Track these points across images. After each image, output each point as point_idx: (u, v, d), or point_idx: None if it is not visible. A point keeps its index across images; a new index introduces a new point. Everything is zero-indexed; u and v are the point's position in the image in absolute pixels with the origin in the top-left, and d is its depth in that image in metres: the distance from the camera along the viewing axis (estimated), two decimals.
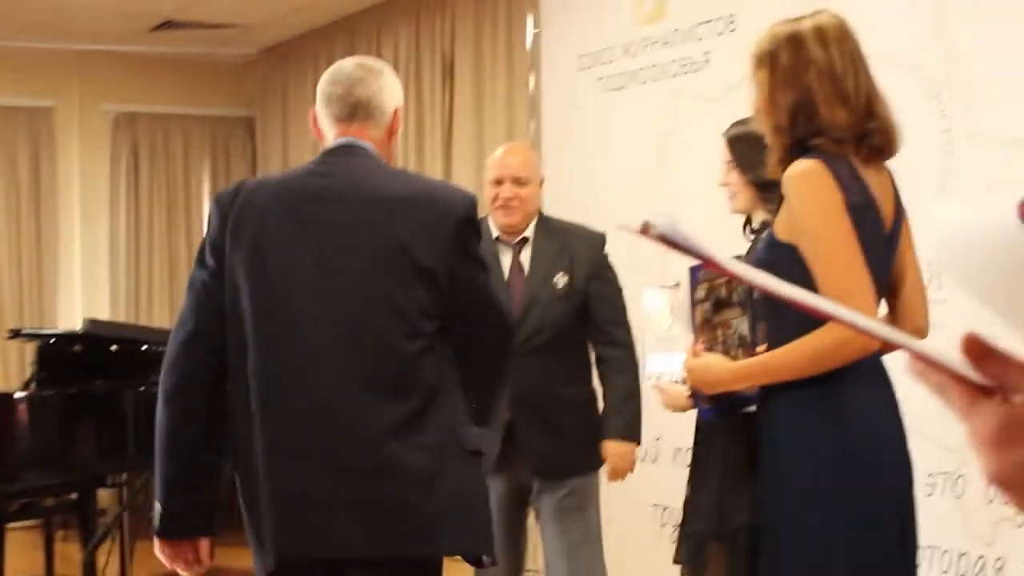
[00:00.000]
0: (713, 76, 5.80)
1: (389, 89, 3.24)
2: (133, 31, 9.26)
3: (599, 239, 4.52)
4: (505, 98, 7.44)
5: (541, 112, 6.99)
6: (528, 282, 4.39)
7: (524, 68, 7.19)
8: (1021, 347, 0.97)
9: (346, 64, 3.28)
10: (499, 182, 4.40)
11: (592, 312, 4.44)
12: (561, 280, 4.38)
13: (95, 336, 6.77)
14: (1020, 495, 0.95)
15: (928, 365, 0.97)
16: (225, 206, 3.10)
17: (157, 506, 3.17)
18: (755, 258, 2.97)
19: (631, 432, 4.44)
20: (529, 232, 4.46)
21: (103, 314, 9.36)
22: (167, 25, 9.10)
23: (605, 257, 4.51)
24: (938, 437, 4.66)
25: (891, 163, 4.86)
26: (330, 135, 3.23)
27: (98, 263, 9.82)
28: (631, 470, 4.50)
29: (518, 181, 4.40)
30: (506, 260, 4.44)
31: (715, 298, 3.01)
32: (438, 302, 3.03)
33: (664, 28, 6.11)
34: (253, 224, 3.05)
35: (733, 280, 2.95)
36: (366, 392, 2.98)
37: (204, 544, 3.21)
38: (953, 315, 4.69)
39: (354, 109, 3.19)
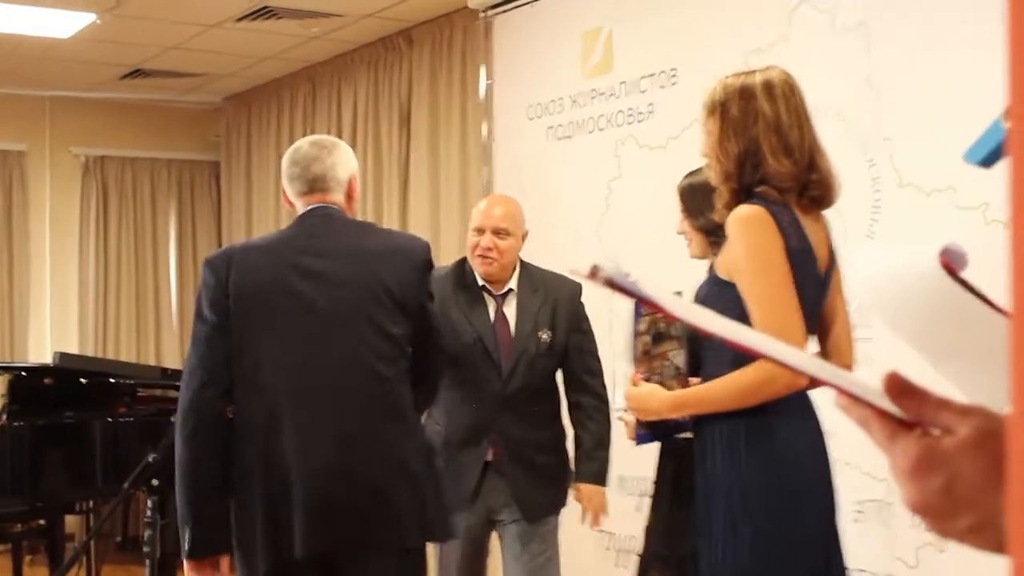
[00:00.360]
0: (657, 126, 5.85)
1: (343, 162, 3.66)
2: (104, 78, 9.24)
3: (577, 289, 4.49)
4: (459, 145, 7.47)
5: (493, 159, 7.02)
6: (516, 337, 4.36)
7: (477, 117, 7.23)
8: (944, 384, 1.00)
9: (302, 144, 3.69)
10: (480, 231, 4.36)
11: (570, 362, 4.45)
12: (545, 335, 4.36)
13: (65, 369, 6.74)
14: (937, 522, 0.97)
15: (852, 400, 0.99)
16: (220, 268, 3.47)
17: (186, 533, 3.43)
18: (697, 294, 3.02)
19: (603, 477, 4.47)
20: (513, 283, 4.42)
21: (72, 348, 9.30)
22: (137, 73, 9.09)
23: (582, 307, 4.50)
24: (866, 467, 4.71)
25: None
26: (298, 204, 3.63)
27: (68, 299, 9.75)
28: (604, 511, 4.50)
29: (498, 232, 4.34)
30: (491, 309, 4.40)
31: (655, 331, 3.06)
32: (412, 331, 3.51)
33: (610, 80, 6.17)
34: (253, 281, 3.43)
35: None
36: (376, 415, 3.43)
37: (224, 560, 3.49)
38: (880, 352, 4.74)
39: (313, 183, 3.59)
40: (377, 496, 3.39)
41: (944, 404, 0.97)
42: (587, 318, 4.51)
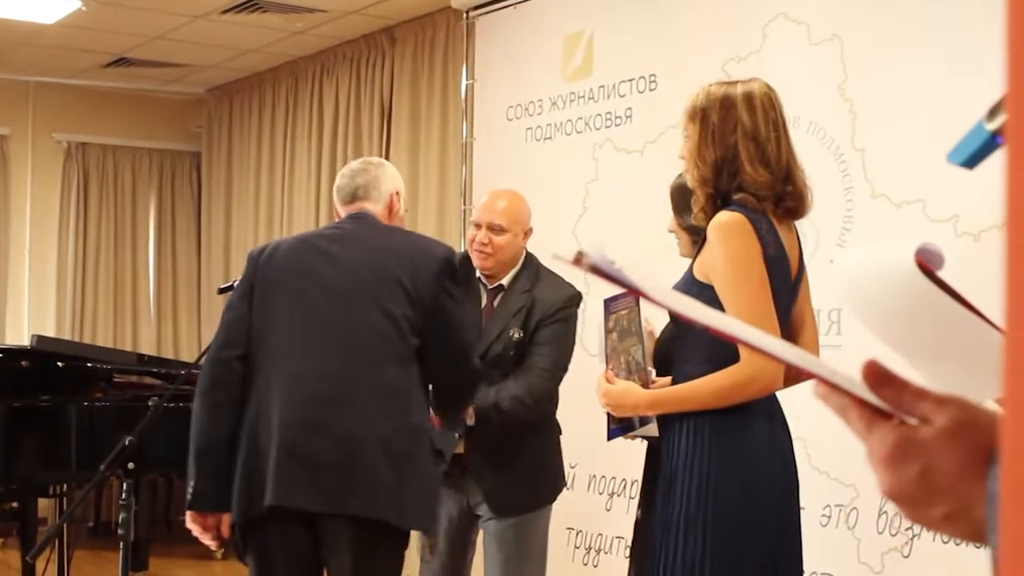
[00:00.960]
0: (635, 130, 5.88)
1: (387, 176, 3.89)
2: (88, 66, 9.22)
3: (562, 294, 4.35)
4: (439, 144, 7.49)
5: (472, 158, 7.04)
6: (488, 330, 4.26)
7: (458, 116, 7.24)
8: (916, 378, 1.01)
9: (354, 163, 3.99)
10: (478, 226, 4.30)
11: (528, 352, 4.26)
12: (516, 333, 4.23)
13: (42, 352, 6.72)
14: (911, 509, 0.99)
15: (831, 388, 1.00)
16: (256, 254, 3.74)
17: (190, 486, 3.59)
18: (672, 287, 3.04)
19: (456, 422, 4.16)
20: (506, 281, 4.33)
21: (49, 332, 9.27)
22: (121, 62, 9.07)
23: (563, 309, 4.32)
24: (834, 472, 4.75)
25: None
26: (342, 214, 3.85)
27: (46, 283, 9.72)
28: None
29: (493, 228, 4.27)
30: (484, 301, 4.35)
31: (619, 328, 3.12)
32: (421, 322, 3.59)
33: (590, 84, 6.19)
34: (278, 262, 3.66)
35: (631, 311, 3.10)
36: (365, 386, 3.50)
37: (226, 518, 3.58)
38: (850, 358, 4.78)
39: (355, 192, 3.82)
40: (350, 460, 3.44)
41: (922, 394, 0.98)
42: (567, 319, 4.33)
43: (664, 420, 3.08)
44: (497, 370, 4.20)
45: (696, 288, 2.96)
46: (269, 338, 3.60)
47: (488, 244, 4.28)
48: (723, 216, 2.93)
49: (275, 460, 3.44)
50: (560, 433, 4.46)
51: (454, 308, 3.71)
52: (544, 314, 4.27)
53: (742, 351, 2.84)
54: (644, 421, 3.20)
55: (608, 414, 3.19)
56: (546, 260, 4.31)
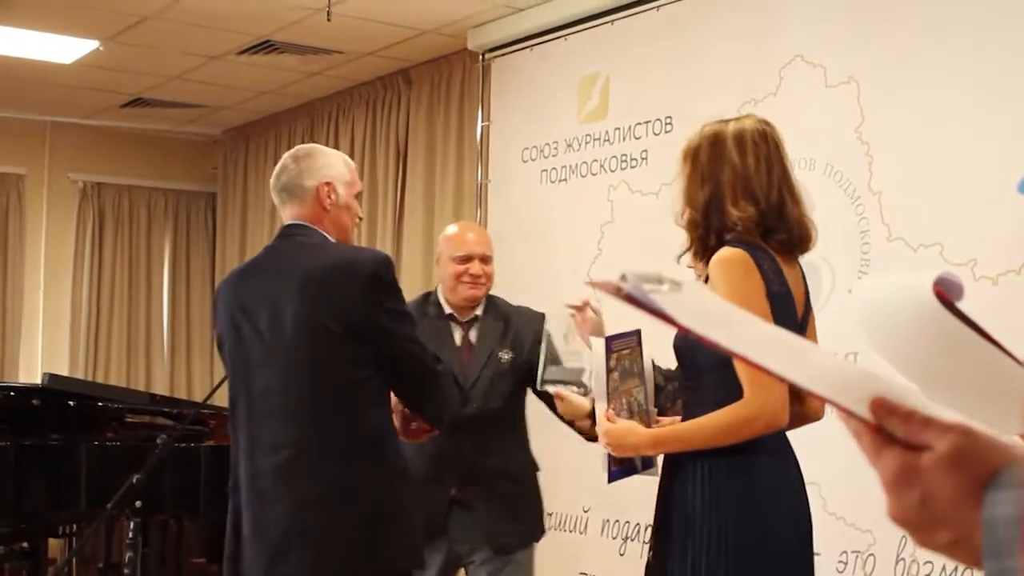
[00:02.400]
0: (650, 172, 5.87)
1: (311, 169, 3.47)
2: (105, 106, 9.25)
3: (541, 318, 4.39)
4: (454, 185, 7.48)
5: (487, 200, 7.03)
6: (475, 358, 4.31)
7: (473, 158, 7.24)
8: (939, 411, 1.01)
9: (284, 157, 3.57)
10: (468, 259, 4.32)
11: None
12: (506, 355, 4.31)
13: (54, 391, 6.70)
14: (916, 534, 1.00)
15: (847, 414, 1.02)
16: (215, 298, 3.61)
17: None
18: (678, 336, 2.98)
19: None
20: (479, 311, 4.39)
21: (63, 371, 9.26)
22: (138, 102, 9.10)
23: (547, 333, 4.42)
24: (850, 518, 4.70)
25: (814, 259, 4.95)
26: (282, 215, 3.53)
27: (60, 323, 9.72)
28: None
29: (485, 259, 4.36)
30: (457, 336, 4.36)
31: (621, 368, 3.06)
32: (360, 354, 3.30)
33: (606, 126, 6.18)
34: (223, 309, 3.46)
35: (633, 351, 3.05)
36: (314, 442, 3.29)
37: None
38: None
39: (280, 195, 3.48)
40: (303, 525, 3.28)
41: (928, 422, 0.99)
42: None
43: (674, 462, 3.02)
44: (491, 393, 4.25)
45: None
46: (232, 406, 3.48)
47: (482, 275, 4.34)
48: (725, 252, 2.88)
49: (249, 538, 3.37)
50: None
51: (398, 330, 3.39)
52: (535, 332, 4.21)
53: (745, 388, 2.79)
54: (647, 463, 3.15)
55: (609, 456, 3.10)
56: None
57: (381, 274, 3.35)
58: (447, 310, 4.37)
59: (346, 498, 3.29)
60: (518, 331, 4.37)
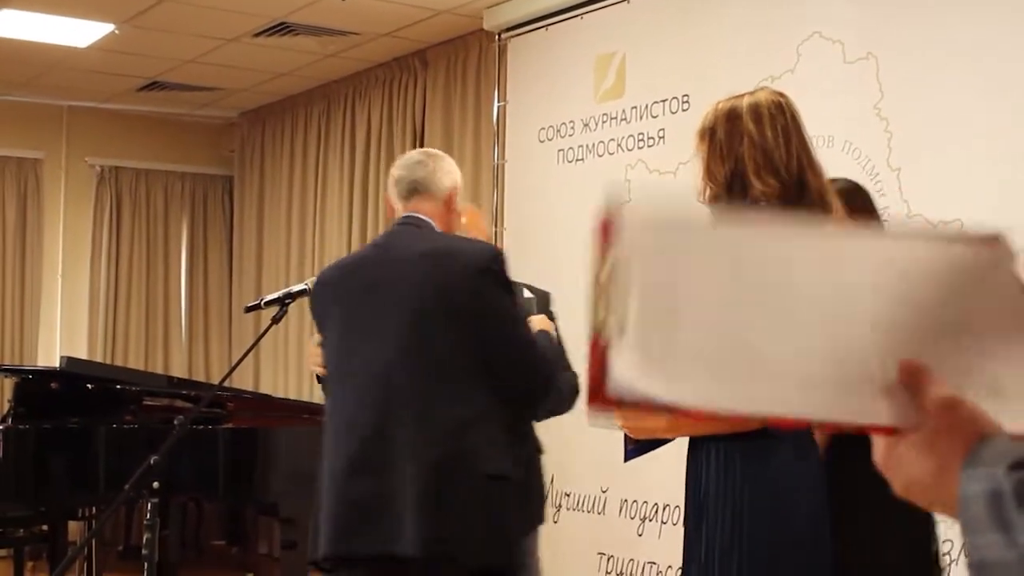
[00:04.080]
0: (667, 150, 5.85)
1: (444, 171, 3.70)
2: (121, 90, 9.26)
3: (547, 296, 4.48)
4: (472, 166, 7.46)
5: (504, 180, 7.02)
6: None
7: (490, 138, 7.23)
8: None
9: (412, 153, 3.81)
10: None
11: None
12: None
13: (72, 374, 6.72)
14: (920, 501, 1.02)
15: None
16: (312, 289, 3.73)
17: None
18: None
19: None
20: None
21: (81, 355, 9.28)
22: (154, 86, 9.11)
23: (552, 313, 4.39)
24: None
25: None
26: (398, 209, 3.66)
27: (78, 306, 9.75)
28: None
29: None
30: None
31: None
32: (471, 337, 3.38)
33: (622, 105, 6.16)
34: (338, 291, 3.58)
35: None
36: (404, 422, 3.35)
37: None
38: None
39: (413, 187, 3.63)
40: (383, 502, 3.34)
41: (926, 400, 1.00)
42: (556, 318, 4.36)
43: (691, 445, 3.00)
44: None
45: None
46: (331, 385, 3.61)
47: None
48: None
49: (328, 511, 3.44)
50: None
51: (508, 316, 3.51)
52: (543, 311, 4.28)
53: None
54: (662, 441, 3.12)
55: (625, 435, 3.09)
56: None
57: (495, 266, 3.50)
58: None
59: (463, 465, 3.35)
60: (525, 310, 4.31)
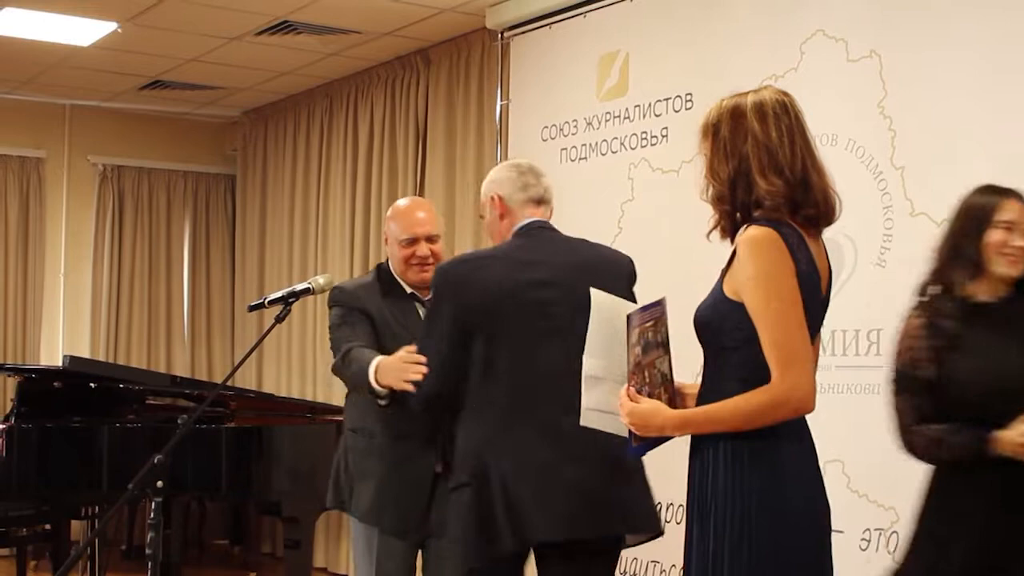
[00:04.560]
0: (670, 149, 5.84)
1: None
2: (124, 89, 9.25)
3: None
4: (475, 165, 7.45)
5: None
6: None
7: (492, 137, 7.22)
8: None
9: (524, 162, 3.95)
10: (413, 241, 4.25)
11: None
12: None
13: (75, 373, 6.72)
14: None
15: None
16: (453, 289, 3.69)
17: None
18: (701, 311, 2.99)
19: None
20: None
21: (83, 353, 9.29)
22: (156, 84, 9.10)
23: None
24: (873, 495, 4.68)
25: (836, 235, 4.91)
26: (522, 214, 3.79)
27: (81, 305, 9.75)
28: None
29: (431, 239, 4.27)
30: (423, 314, 4.20)
31: (644, 341, 3.00)
32: None
33: (625, 103, 6.16)
34: (502, 289, 3.63)
35: (658, 322, 3.00)
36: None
37: None
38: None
39: (544, 194, 3.85)
40: (588, 489, 3.54)
41: None
42: None
43: (695, 444, 2.99)
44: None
45: (727, 306, 2.89)
46: (497, 378, 3.63)
47: (429, 256, 4.25)
48: (754, 231, 2.85)
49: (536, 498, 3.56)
50: None
51: None
52: None
53: (773, 370, 2.77)
54: (666, 438, 3.08)
55: (631, 432, 3.06)
56: None
57: (634, 271, 3.85)
58: (408, 289, 4.30)
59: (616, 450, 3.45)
60: None
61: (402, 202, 4.50)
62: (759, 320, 2.81)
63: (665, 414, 2.94)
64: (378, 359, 3.95)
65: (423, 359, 3.72)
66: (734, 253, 2.91)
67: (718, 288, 2.96)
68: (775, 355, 2.76)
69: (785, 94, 2.98)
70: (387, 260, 4.39)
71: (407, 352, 3.82)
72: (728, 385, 2.88)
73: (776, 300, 2.81)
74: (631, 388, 3.00)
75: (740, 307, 2.85)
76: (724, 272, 2.97)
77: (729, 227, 2.94)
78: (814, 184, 2.91)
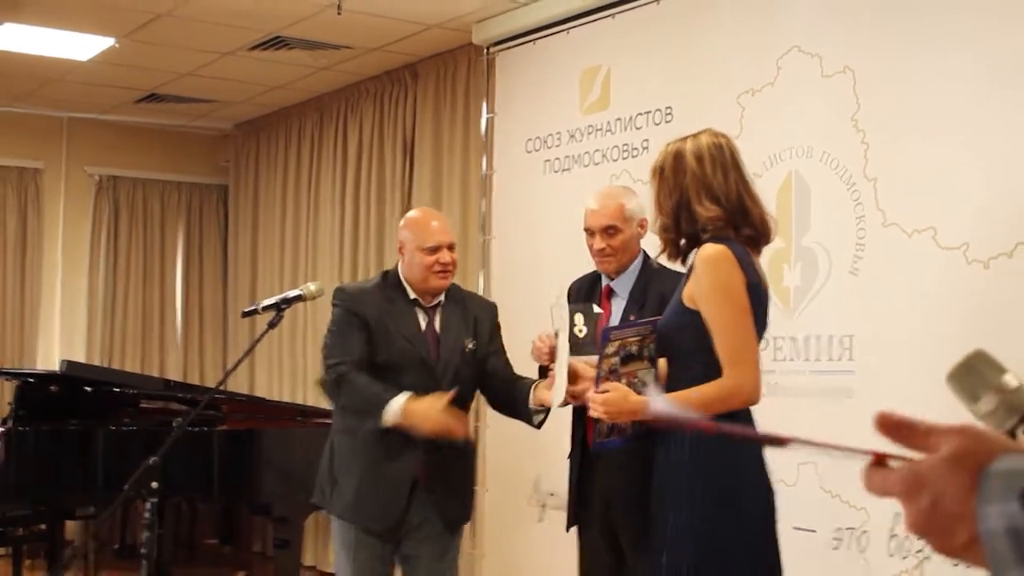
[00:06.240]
0: (651, 161, 5.82)
1: None
2: (120, 101, 9.24)
3: (494, 308, 4.57)
4: (461, 177, 7.46)
5: (492, 190, 7.02)
6: (443, 345, 4.32)
7: (478, 149, 7.23)
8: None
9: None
10: (438, 249, 4.30)
11: (489, 372, 4.39)
12: (470, 343, 4.35)
13: (71, 377, 6.71)
14: (935, 540, 0.99)
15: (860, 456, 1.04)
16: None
17: None
18: (663, 320, 3.34)
19: None
20: (442, 297, 4.40)
21: (79, 359, 9.27)
22: (152, 98, 9.09)
23: (498, 325, 4.52)
24: (845, 495, 4.69)
25: (810, 245, 4.95)
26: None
27: (77, 311, 9.73)
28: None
29: (452, 247, 4.36)
30: (422, 321, 4.34)
31: (624, 353, 3.33)
32: None
33: (607, 117, 6.17)
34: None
35: (645, 339, 3.35)
36: None
37: None
38: (861, 384, 4.74)
39: None
40: None
41: (932, 429, 1.00)
42: (500, 328, 4.55)
43: (657, 433, 3.30)
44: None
45: (686, 316, 3.22)
46: None
47: (451, 263, 4.35)
48: (709, 249, 3.21)
49: None
50: None
51: None
52: (492, 322, 4.47)
53: (724, 368, 3.13)
54: (637, 435, 3.44)
55: (597, 426, 3.42)
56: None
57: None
58: (411, 295, 4.35)
59: None
60: (477, 319, 4.43)
61: (417, 212, 4.59)
62: (713, 326, 3.17)
63: (632, 398, 3.28)
64: (404, 402, 4.01)
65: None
66: (691, 269, 3.28)
67: (678, 299, 3.31)
68: (726, 356, 3.14)
69: (721, 135, 3.40)
70: (396, 266, 4.45)
71: (443, 402, 3.97)
72: (689, 383, 3.21)
73: (727, 309, 3.18)
74: (596, 392, 3.31)
75: (697, 315, 3.20)
76: (682, 286, 3.33)
77: (674, 252, 3.37)
78: (750, 210, 3.31)
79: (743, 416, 3.21)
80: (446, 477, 4.31)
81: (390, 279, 4.40)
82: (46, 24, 7.20)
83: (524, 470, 6.36)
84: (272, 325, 4.44)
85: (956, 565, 4.16)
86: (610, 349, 3.31)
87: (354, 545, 4.30)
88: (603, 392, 3.26)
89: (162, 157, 10.12)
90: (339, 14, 6.16)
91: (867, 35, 4.85)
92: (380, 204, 8.20)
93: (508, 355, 4.46)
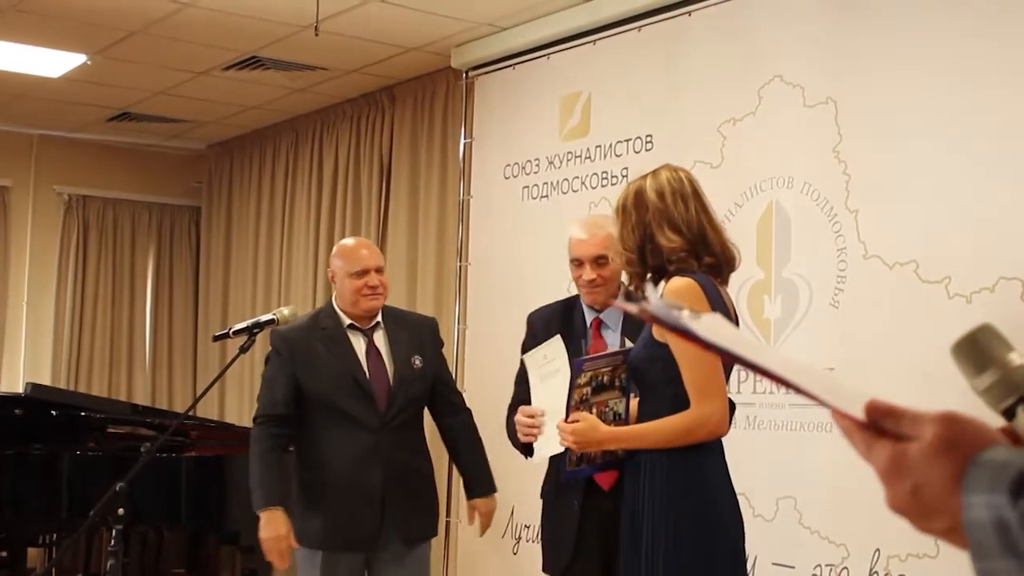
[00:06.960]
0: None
1: None
2: (91, 120, 9.22)
3: (435, 324, 4.86)
4: (438, 202, 7.46)
5: (469, 216, 7.02)
6: (394, 363, 4.57)
7: (456, 174, 7.23)
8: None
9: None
10: (365, 272, 4.56)
11: (436, 389, 4.70)
12: (417, 360, 4.60)
13: (36, 400, 6.66)
14: (915, 521, 1.03)
15: (841, 415, 1.08)
16: None
17: None
18: (634, 352, 3.38)
19: (494, 486, 4.76)
20: (378, 318, 4.63)
21: (45, 381, 9.19)
22: (124, 116, 9.07)
23: (441, 340, 4.82)
24: (824, 531, 4.69)
25: (791, 276, 4.97)
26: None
27: (43, 333, 9.66)
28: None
29: (379, 270, 4.61)
30: (361, 344, 4.58)
31: (596, 383, 3.37)
32: None
33: (587, 143, 6.18)
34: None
35: (616, 369, 3.40)
36: None
37: None
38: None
39: None
40: None
41: (919, 417, 1.03)
42: (442, 344, 4.86)
43: (628, 458, 3.36)
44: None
45: (656, 349, 3.26)
46: None
47: (379, 285, 4.60)
48: (676, 281, 3.26)
49: None
50: None
51: None
52: (434, 336, 4.75)
53: (692, 401, 3.18)
54: (607, 464, 3.50)
55: (567, 455, 3.44)
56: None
57: None
58: (347, 321, 4.59)
59: None
60: (420, 336, 4.69)
61: (347, 241, 4.89)
62: (680, 359, 3.21)
63: (601, 428, 3.33)
64: (268, 510, 4.34)
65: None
66: None
67: (647, 333, 3.35)
68: (693, 389, 3.18)
69: (680, 169, 3.49)
70: (331, 298, 4.72)
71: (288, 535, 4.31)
72: (658, 415, 3.27)
73: None
74: (565, 422, 3.36)
75: (666, 348, 3.24)
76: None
77: (640, 287, 3.42)
78: (711, 239, 3.37)
79: (714, 448, 3.28)
80: (405, 494, 4.50)
81: (324, 310, 4.70)
82: (16, 40, 7.17)
83: (499, 500, 6.34)
84: (244, 350, 4.46)
85: None
86: (582, 379, 3.35)
87: (321, 565, 4.41)
88: (573, 422, 3.32)
89: (133, 177, 10.08)
90: (316, 35, 6.15)
91: (849, 67, 4.87)
92: (355, 228, 8.18)
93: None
